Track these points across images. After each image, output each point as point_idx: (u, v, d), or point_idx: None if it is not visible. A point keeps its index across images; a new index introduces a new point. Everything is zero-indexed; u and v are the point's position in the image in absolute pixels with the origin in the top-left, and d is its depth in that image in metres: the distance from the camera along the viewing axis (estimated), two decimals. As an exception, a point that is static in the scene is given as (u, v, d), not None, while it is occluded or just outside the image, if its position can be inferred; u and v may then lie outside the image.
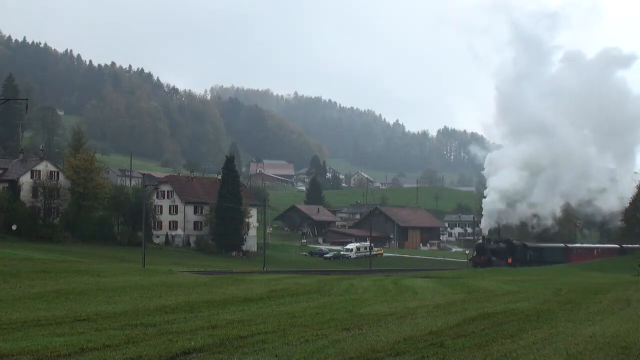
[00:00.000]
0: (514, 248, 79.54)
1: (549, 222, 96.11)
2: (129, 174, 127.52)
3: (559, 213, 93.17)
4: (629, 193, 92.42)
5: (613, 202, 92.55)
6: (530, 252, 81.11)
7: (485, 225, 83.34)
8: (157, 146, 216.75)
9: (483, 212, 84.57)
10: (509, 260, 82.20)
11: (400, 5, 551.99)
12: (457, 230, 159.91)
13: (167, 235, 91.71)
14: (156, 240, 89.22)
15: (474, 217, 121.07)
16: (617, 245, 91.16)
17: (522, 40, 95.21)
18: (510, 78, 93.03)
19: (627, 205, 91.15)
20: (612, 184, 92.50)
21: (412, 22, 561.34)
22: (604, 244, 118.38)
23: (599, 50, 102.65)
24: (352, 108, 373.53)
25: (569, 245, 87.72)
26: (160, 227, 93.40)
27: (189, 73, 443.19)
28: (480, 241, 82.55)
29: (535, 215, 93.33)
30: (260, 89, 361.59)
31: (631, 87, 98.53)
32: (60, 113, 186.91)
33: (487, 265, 74.40)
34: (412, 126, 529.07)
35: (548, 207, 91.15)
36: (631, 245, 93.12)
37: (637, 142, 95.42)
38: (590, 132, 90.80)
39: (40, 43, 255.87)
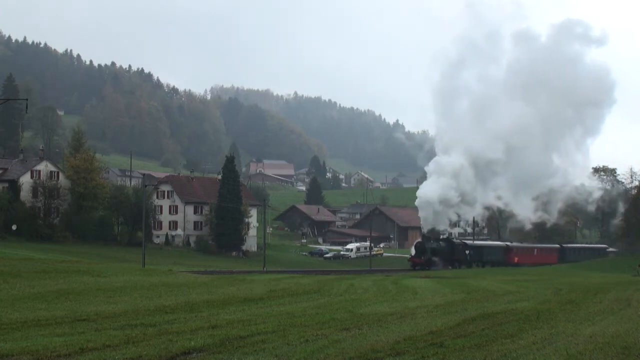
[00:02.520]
0: (454, 247, 75.31)
1: (527, 225, 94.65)
2: (129, 174, 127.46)
3: (532, 216, 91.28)
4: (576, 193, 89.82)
5: (556, 206, 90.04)
6: (470, 251, 77.31)
7: (425, 216, 75.40)
8: (157, 146, 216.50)
9: (420, 208, 76.71)
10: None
11: (402, 4, 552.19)
12: (457, 230, 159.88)
13: (167, 235, 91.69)
14: (156, 240, 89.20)
15: (473, 218, 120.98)
16: (557, 245, 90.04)
17: (474, 18, 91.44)
18: (455, 61, 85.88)
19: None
20: (561, 185, 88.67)
21: (413, 22, 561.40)
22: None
23: (560, 21, 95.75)
24: (352, 108, 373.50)
25: (509, 244, 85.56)
26: (160, 227, 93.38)
27: (189, 73, 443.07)
28: (420, 240, 75.99)
29: (511, 215, 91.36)
30: (260, 89, 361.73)
31: (590, 65, 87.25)
32: (60, 113, 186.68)
33: (427, 266, 69.37)
34: (412, 126, 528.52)
35: (520, 207, 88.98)
36: (571, 245, 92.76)
37: (589, 130, 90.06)
38: (542, 117, 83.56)
39: (40, 43, 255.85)
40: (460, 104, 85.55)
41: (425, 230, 75.77)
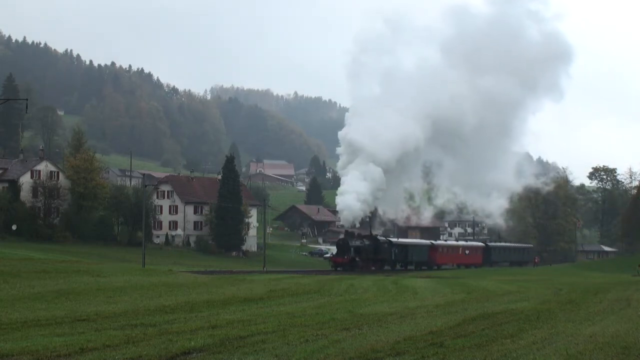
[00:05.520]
0: (378, 245, 67.23)
1: (498, 221, 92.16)
2: (129, 174, 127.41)
3: (498, 218, 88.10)
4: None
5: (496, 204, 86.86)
6: (395, 250, 69.93)
7: (348, 211, 66.49)
8: (157, 146, 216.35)
9: (340, 205, 67.67)
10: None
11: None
12: (457, 230, 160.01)
13: (167, 235, 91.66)
14: (156, 240, 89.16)
15: (473, 218, 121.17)
16: (482, 244, 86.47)
17: None
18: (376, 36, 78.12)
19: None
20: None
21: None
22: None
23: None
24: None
25: (435, 243, 79.66)
26: (160, 227, 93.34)
27: (189, 73, 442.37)
28: (342, 237, 67.50)
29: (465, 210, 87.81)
30: (260, 89, 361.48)
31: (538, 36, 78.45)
32: (60, 113, 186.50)
33: (350, 267, 62.10)
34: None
35: (472, 202, 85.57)
36: (496, 244, 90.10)
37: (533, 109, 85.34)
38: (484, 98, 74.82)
39: (40, 43, 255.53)
40: (381, 85, 77.07)
41: (347, 226, 67.59)
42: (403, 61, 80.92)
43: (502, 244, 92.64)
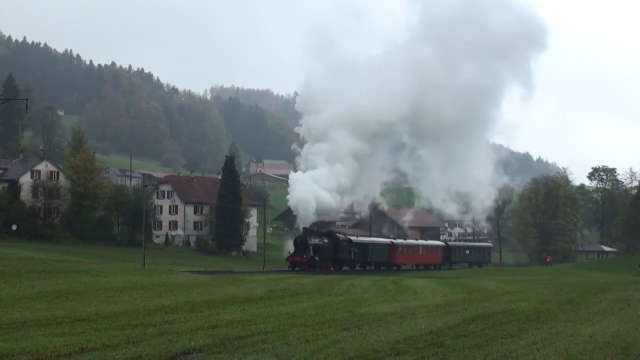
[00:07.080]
0: (337, 244, 62.92)
1: (483, 224, 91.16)
2: (129, 174, 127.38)
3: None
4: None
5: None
6: (355, 249, 65.45)
7: (303, 206, 60.89)
8: (157, 146, 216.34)
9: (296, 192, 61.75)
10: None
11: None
12: (457, 230, 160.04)
13: (167, 235, 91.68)
14: (156, 240, 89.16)
15: (473, 218, 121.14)
16: (443, 244, 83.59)
17: None
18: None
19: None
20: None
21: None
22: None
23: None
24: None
25: (395, 241, 75.04)
26: (160, 227, 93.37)
27: (189, 73, 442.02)
28: (301, 234, 61.59)
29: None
30: (260, 89, 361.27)
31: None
32: (60, 113, 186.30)
33: (309, 266, 57.58)
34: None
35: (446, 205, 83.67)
36: (457, 243, 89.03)
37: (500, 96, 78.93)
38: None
39: (40, 43, 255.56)
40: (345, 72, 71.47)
41: (305, 223, 61.77)
42: (368, 47, 78.88)
43: (463, 243, 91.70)
